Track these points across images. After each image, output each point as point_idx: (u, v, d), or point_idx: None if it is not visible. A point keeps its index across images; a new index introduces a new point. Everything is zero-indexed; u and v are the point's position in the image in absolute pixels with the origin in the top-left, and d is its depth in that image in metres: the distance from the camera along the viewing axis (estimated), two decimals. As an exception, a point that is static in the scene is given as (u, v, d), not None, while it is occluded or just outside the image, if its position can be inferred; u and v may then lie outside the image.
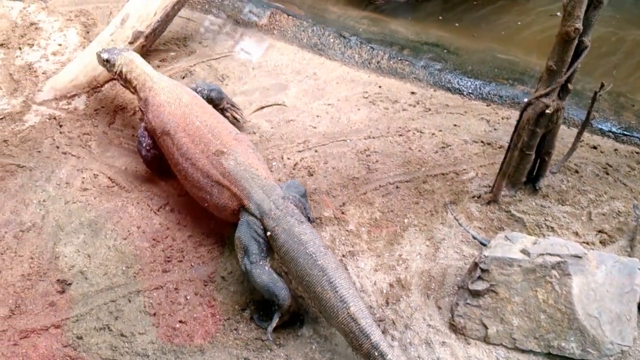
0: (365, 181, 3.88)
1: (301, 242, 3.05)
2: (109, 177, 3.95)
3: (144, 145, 3.88)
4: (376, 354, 2.77)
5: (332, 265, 2.98)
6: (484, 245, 3.40)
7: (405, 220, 3.64)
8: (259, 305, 3.23)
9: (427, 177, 3.89)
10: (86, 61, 4.55)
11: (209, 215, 3.64)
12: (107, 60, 4.23)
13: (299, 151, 4.10)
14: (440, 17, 5.57)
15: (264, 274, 3.12)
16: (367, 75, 4.81)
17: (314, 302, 3.06)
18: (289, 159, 4.05)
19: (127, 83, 4.17)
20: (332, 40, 5.06)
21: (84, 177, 3.95)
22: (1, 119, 4.43)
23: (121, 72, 4.14)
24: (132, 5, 4.56)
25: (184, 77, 4.75)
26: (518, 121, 3.41)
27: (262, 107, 4.51)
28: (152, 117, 3.79)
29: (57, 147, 4.19)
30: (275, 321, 3.08)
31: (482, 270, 3.07)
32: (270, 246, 3.21)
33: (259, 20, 5.34)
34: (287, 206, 3.23)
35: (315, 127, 4.30)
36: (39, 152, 4.16)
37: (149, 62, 4.75)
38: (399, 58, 4.85)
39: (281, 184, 3.48)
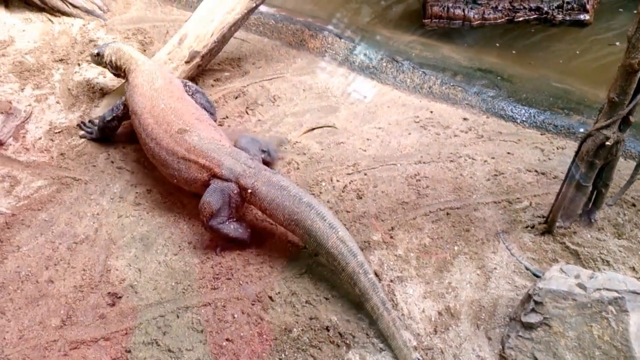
0: (415, 206, 3.84)
1: (282, 187, 3.43)
2: (161, 193, 4.01)
3: (115, 112, 4.28)
4: (361, 271, 3.14)
5: (315, 201, 3.38)
6: (537, 276, 3.32)
7: (456, 248, 3.58)
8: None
9: (478, 205, 3.83)
10: (143, 79, 4.67)
11: (257, 233, 3.67)
12: (98, 54, 4.61)
13: (349, 174, 4.10)
14: (497, 44, 5.52)
15: (231, 229, 3.56)
16: (419, 99, 4.80)
17: (305, 236, 3.35)
18: (338, 181, 4.05)
19: (117, 70, 4.51)
20: (384, 64, 5.07)
21: (137, 192, 4.03)
22: (59, 132, 4.57)
23: (111, 60, 4.50)
24: (190, 25, 4.67)
25: (236, 97, 4.82)
26: (576, 152, 3.33)
27: (313, 129, 4.54)
28: (128, 96, 4.15)
29: (112, 162, 4.30)
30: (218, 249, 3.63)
31: (536, 303, 2.98)
32: (240, 209, 3.65)
33: (311, 42, 5.39)
34: (257, 164, 3.60)
35: (365, 150, 4.30)
36: (94, 166, 4.26)
37: (203, 82, 4.89)
38: (452, 84, 4.83)
39: (239, 141, 3.88)
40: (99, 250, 3.66)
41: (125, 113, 4.24)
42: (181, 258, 3.60)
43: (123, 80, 4.55)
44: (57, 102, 4.83)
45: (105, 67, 4.64)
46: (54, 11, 5.74)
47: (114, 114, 4.29)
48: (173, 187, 4.04)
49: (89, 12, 5.77)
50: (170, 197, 3.98)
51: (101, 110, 4.68)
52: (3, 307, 3.34)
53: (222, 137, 3.84)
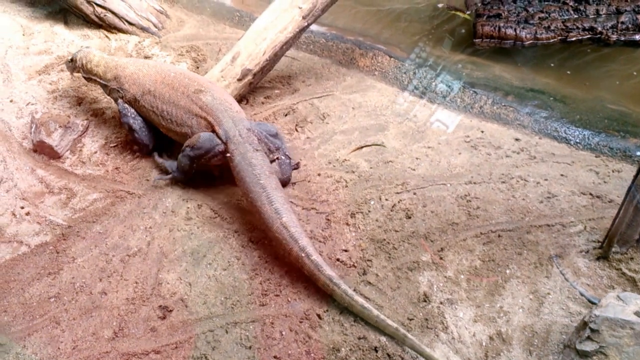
0: (465, 227, 3.79)
1: (251, 164, 3.74)
2: (212, 209, 4.07)
3: (130, 115, 4.49)
4: (303, 255, 3.35)
5: (272, 185, 3.65)
6: (593, 303, 3.22)
7: (507, 271, 3.51)
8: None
9: (531, 228, 3.75)
10: (196, 95, 4.77)
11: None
12: (70, 60, 4.93)
13: (397, 193, 4.08)
14: (550, 64, 5.44)
15: (189, 162, 4.01)
16: (469, 119, 4.75)
17: (256, 215, 3.66)
18: (386, 200, 4.03)
19: (89, 73, 4.77)
20: (434, 82, 5.05)
21: (188, 207, 4.10)
22: (114, 146, 4.70)
23: (82, 64, 4.79)
24: (243, 44, 4.75)
25: (286, 115, 4.87)
26: (635, 175, 3.23)
27: (361, 147, 4.54)
28: (129, 86, 4.46)
29: (165, 176, 4.39)
30: (168, 163, 4.26)
31: (592, 330, 2.90)
32: (213, 159, 4.01)
33: (361, 60, 5.42)
34: (249, 136, 3.92)
35: (414, 170, 4.28)
36: (148, 180, 4.36)
37: (254, 99, 4.97)
38: (503, 104, 4.77)
39: (253, 122, 4.18)
40: (151, 263, 3.73)
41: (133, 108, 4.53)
42: (230, 273, 3.63)
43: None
44: (113, 117, 4.96)
45: (78, 72, 4.95)
46: (111, 28, 5.94)
47: (131, 115, 4.50)
48: (223, 203, 4.10)
49: (144, 29, 5.94)
50: (220, 213, 4.03)
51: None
52: (58, 317, 3.43)
53: (233, 100, 4.29)
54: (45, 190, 4.31)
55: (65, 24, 6.11)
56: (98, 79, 4.71)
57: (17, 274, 3.71)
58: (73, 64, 4.92)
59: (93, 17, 5.87)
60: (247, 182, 3.71)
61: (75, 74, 5.13)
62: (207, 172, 4.35)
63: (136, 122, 4.46)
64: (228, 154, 3.88)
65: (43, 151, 4.58)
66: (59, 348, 3.27)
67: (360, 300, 3.22)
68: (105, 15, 5.88)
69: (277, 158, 4.11)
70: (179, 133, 4.22)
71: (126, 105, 4.50)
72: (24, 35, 5.91)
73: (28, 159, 4.56)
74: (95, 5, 5.87)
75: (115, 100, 4.61)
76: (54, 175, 4.43)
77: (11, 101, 5.10)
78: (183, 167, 4.09)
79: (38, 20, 6.13)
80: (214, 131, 3.98)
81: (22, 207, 4.16)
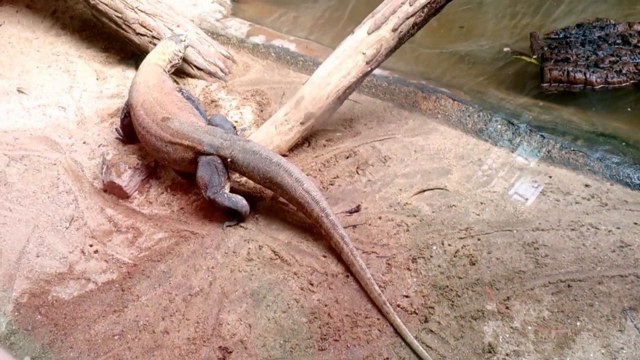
0: (532, 276, 3.65)
1: (255, 152, 4.15)
2: (272, 250, 4.09)
3: (124, 113, 5.04)
4: (323, 214, 3.88)
5: (284, 160, 4.11)
6: (673, 362, 3.02)
7: (578, 323, 3.34)
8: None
9: (603, 278, 3.57)
10: (259, 139, 4.84)
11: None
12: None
13: (461, 238, 3.99)
14: (620, 109, 5.25)
15: (225, 198, 4.23)
16: (536, 163, 4.62)
17: (279, 190, 4.13)
18: (449, 245, 3.94)
19: None
20: (499, 126, 4.96)
21: (249, 248, 4.13)
22: (179, 187, 4.82)
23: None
24: (307, 89, 4.83)
25: (347, 157, 4.88)
26: None
27: (423, 191, 4.48)
28: (128, 92, 4.95)
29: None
30: (233, 222, 4.35)
31: (673, 392, 2.71)
32: (227, 176, 4.32)
33: (424, 104, 5.41)
34: (231, 136, 4.29)
35: (478, 215, 4.18)
36: (211, 221, 4.44)
37: (315, 141, 5.02)
38: (572, 148, 4.62)
39: (214, 119, 4.67)
40: (212, 303, 3.76)
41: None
42: (289, 316, 3.62)
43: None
44: (180, 159, 5.11)
45: None
46: (180, 73, 6.16)
47: (124, 113, 5.05)
48: (283, 244, 4.11)
49: (211, 74, 6.14)
50: (281, 254, 4.04)
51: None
52: (121, 355, 3.49)
53: (199, 119, 4.58)
54: (114, 229, 4.45)
55: (136, 69, 6.39)
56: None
57: (84, 310, 3.81)
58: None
59: (164, 62, 6.12)
60: (261, 168, 4.11)
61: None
62: (269, 210, 4.40)
63: (125, 120, 5.08)
64: (229, 159, 4.21)
65: (113, 191, 4.75)
66: (120, 386, 3.32)
67: (360, 260, 3.72)
68: (175, 61, 6.12)
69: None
70: (157, 157, 4.69)
71: (126, 106, 5.04)
72: (97, 79, 6.22)
73: (98, 198, 4.74)
74: (166, 52, 6.13)
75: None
76: (122, 214, 4.58)
77: (84, 143, 5.35)
78: (230, 207, 4.26)
79: (111, 65, 6.45)
80: (198, 152, 4.29)
81: (91, 245, 4.30)
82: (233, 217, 4.34)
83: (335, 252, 3.96)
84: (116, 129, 5.40)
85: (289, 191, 4.02)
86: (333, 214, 3.89)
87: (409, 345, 3.34)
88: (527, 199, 4.27)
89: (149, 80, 4.90)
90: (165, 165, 4.75)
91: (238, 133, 5.03)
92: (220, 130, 4.38)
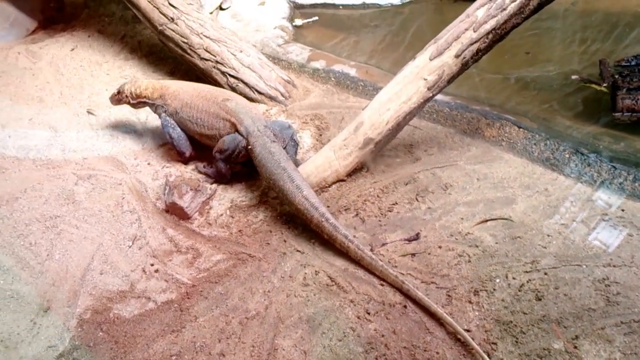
0: (603, 314, 3.46)
1: (270, 152, 4.54)
2: (329, 276, 4.03)
3: (170, 125, 5.33)
4: (323, 220, 4.09)
5: (291, 167, 4.42)
6: None
7: (653, 368, 3.14)
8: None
9: (681, 320, 3.35)
10: (318, 163, 4.84)
11: (425, 327, 3.52)
12: (118, 92, 5.72)
13: (526, 272, 3.83)
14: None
15: (224, 166, 4.96)
16: (607, 196, 4.42)
17: (279, 194, 4.46)
18: (514, 278, 3.79)
19: (138, 97, 5.58)
20: (567, 155, 4.78)
21: (306, 273, 4.09)
22: (239, 210, 4.85)
23: (131, 92, 5.60)
24: (367, 114, 4.80)
25: (407, 184, 4.80)
26: None
27: (486, 221, 4.34)
28: (171, 100, 5.34)
29: (285, 241, 4.43)
30: (212, 180, 5.15)
31: None
32: (241, 157, 4.90)
33: (487, 130, 5.28)
34: (266, 131, 4.72)
35: (545, 247, 4.01)
36: (268, 244, 4.43)
37: (375, 167, 4.98)
38: (646, 180, 4.40)
39: (269, 121, 5.09)
40: (268, 327, 3.73)
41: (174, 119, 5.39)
42: (345, 345, 3.54)
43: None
44: (239, 182, 5.15)
45: (127, 102, 5.71)
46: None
47: (171, 126, 5.34)
48: (340, 270, 4.05)
49: (272, 98, 6.21)
50: (337, 281, 3.98)
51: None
52: (178, 375, 3.50)
53: (254, 107, 5.33)
54: (174, 249, 4.50)
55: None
56: (147, 100, 5.55)
57: (144, 329, 3.85)
58: (120, 96, 5.72)
59: (226, 87, 6.23)
60: (268, 167, 4.48)
61: (120, 105, 5.88)
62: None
63: (175, 132, 5.32)
64: (250, 147, 4.68)
65: (174, 212, 4.82)
66: (175, 408, 3.32)
67: (369, 252, 3.92)
68: (237, 85, 6.23)
69: (286, 143, 4.92)
70: (210, 136, 5.08)
71: (168, 118, 5.35)
72: (162, 102, 6.38)
73: (160, 218, 4.81)
74: (228, 76, 6.24)
75: (160, 115, 5.47)
76: (182, 235, 4.63)
77: (149, 164, 5.47)
78: (220, 171, 4.98)
79: (176, 89, 6.60)
80: (236, 130, 4.82)
81: (152, 265, 4.36)
82: (217, 177, 5.09)
83: (392, 285, 3.87)
84: (199, 170, 5.38)
85: (288, 196, 4.31)
86: (333, 218, 4.10)
87: None
88: (597, 233, 4.07)
89: (186, 84, 5.59)
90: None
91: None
92: (264, 122, 4.86)
